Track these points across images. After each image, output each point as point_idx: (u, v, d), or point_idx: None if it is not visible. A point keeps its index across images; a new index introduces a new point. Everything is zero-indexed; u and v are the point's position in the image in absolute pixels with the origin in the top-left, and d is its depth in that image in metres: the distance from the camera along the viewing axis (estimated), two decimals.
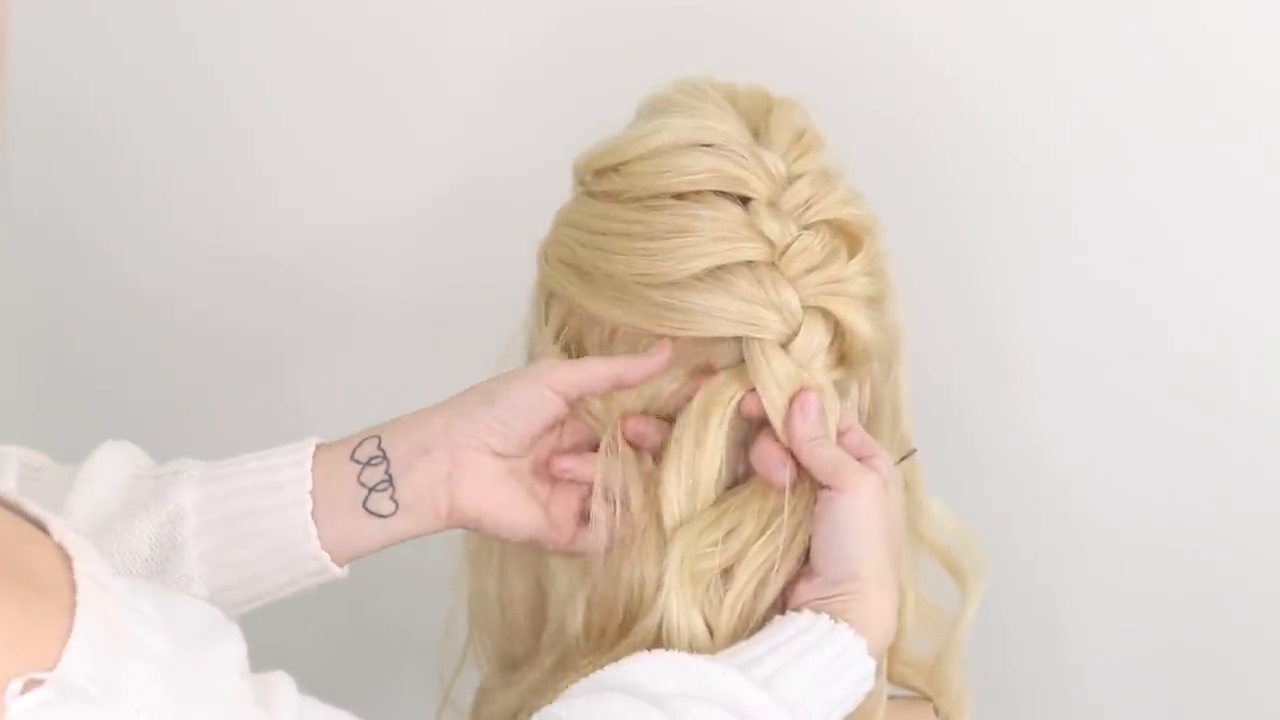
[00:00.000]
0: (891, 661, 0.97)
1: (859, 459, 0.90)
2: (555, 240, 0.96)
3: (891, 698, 0.96)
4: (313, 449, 0.90)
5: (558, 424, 0.93)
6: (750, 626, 0.88)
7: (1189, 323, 1.24)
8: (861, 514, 0.88)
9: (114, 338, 1.35)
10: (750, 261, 0.91)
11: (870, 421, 0.98)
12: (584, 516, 0.93)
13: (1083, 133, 1.21)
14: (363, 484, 0.89)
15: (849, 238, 0.94)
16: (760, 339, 0.91)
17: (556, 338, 0.96)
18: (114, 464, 0.91)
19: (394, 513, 0.89)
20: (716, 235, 0.90)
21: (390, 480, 0.89)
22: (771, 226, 0.91)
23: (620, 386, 0.91)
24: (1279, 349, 1.24)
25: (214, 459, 0.94)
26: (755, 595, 0.89)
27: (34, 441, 0.94)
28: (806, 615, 0.86)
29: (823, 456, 0.89)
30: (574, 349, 0.95)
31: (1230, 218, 1.21)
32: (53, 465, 0.92)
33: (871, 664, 0.86)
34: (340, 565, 0.90)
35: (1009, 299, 1.26)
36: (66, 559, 0.64)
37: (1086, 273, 1.24)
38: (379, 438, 0.90)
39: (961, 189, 1.23)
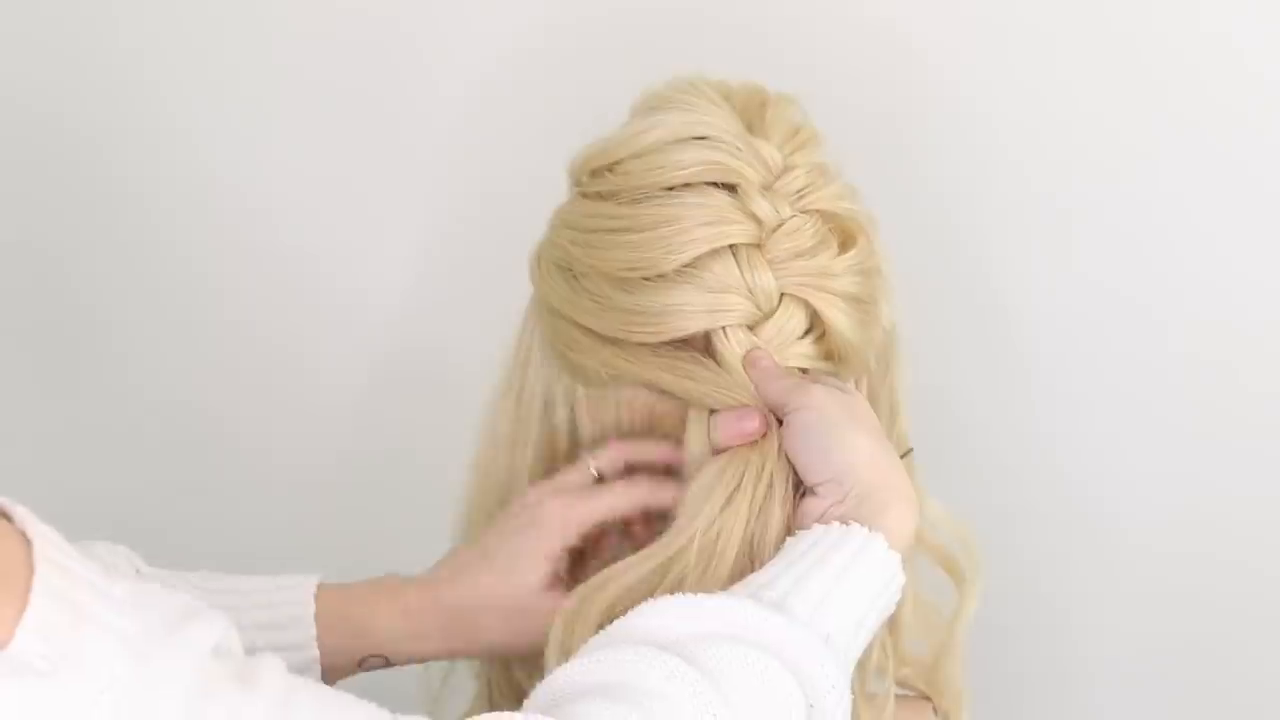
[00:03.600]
0: (891, 661, 0.97)
1: None
2: (550, 242, 0.96)
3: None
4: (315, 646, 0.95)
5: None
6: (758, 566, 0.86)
7: (1189, 322, 1.24)
8: (822, 417, 0.87)
9: (112, 337, 1.35)
10: (734, 245, 0.90)
11: None
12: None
13: (1082, 132, 1.21)
14: (361, 667, 0.97)
15: (842, 232, 0.94)
16: (725, 327, 0.90)
17: (546, 346, 0.96)
18: None
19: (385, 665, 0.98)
20: (703, 221, 0.90)
21: (388, 662, 0.97)
22: (762, 206, 0.91)
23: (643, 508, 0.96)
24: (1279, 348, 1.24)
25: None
26: (750, 544, 0.88)
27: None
28: (816, 529, 0.85)
29: (771, 389, 0.89)
30: (563, 363, 0.95)
31: (1230, 217, 1.21)
32: None
33: (896, 558, 0.84)
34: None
35: (1008, 298, 1.26)
36: (28, 544, 0.65)
37: (1086, 272, 1.24)
38: (385, 659, 0.97)
39: (960, 188, 1.23)
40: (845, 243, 0.94)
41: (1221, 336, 1.24)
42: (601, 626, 0.82)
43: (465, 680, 1.07)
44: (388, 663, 0.96)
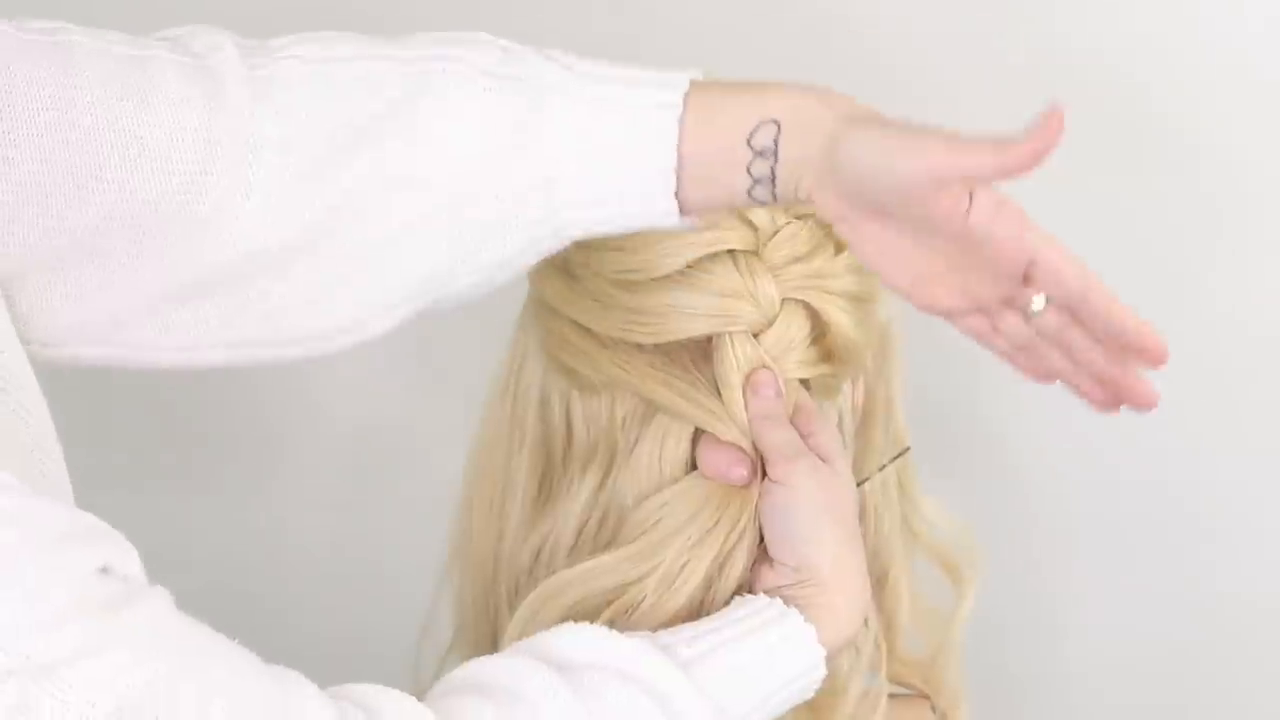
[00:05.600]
0: (888, 659, 0.97)
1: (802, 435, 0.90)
2: None
3: (889, 696, 0.96)
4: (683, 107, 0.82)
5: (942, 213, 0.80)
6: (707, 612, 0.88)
7: (1188, 322, 1.23)
8: (799, 502, 0.88)
9: None
10: (732, 250, 0.90)
11: (864, 419, 0.99)
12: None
13: (1080, 132, 1.21)
14: (750, 173, 0.82)
15: (838, 233, 0.94)
16: (730, 332, 0.90)
17: (542, 348, 0.96)
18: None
19: (768, 203, 0.84)
20: (700, 225, 0.90)
21: (775, 180, 0.83)
22: (758, 213, 0.91)
23: (999, 176, 0.79)
24: (1278, 348, 1.23)
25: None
26: (707, 587, 0.89)
27: None
28: (761, 599, 0.86)
29: (765, 440, 0.89)
30: (558, 366, 0.95)
31: (1229, 216, 1.21)
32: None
33: (820, 652, 0.85)
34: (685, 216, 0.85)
35: None
36: None
37: None
38: (778, 128, 0.82)
39: None
40: (841, 242, 0.94)
41: (1221, 336, 1.24)
42: (558, 623, 0.85)
43: None
44: (776, 157, 0.82)
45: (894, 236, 0.82)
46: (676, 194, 0.83)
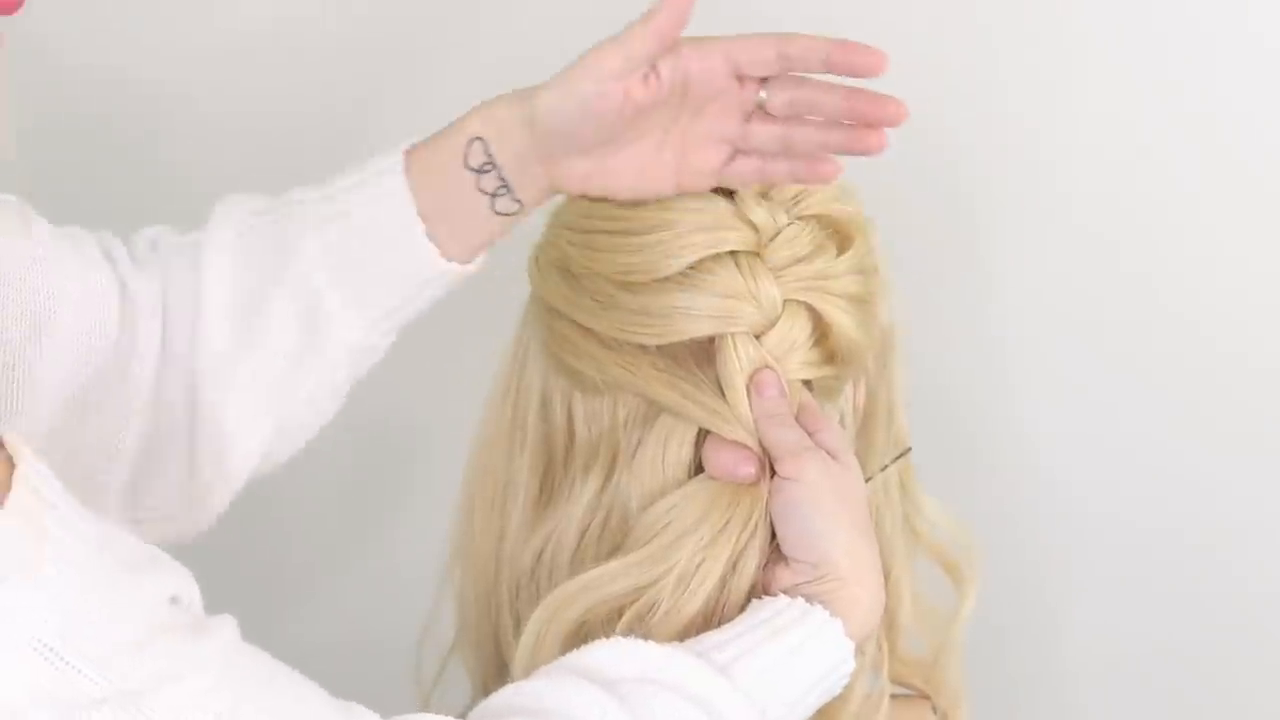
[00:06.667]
0: (889, 660, 0.97)
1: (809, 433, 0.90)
2: (547, 242, 0.96)
3: (890, 696, 0.96)
4: (404, 164, 0.93)
5: (646, 102, 0.89)
6: (724, 616, 0.88)
7: (1188, 322, 1.24)
8: (810, 497, 0.88)
9: None
10: (734, 252, 0.90)
11: (865, 419, 0.99)
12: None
13: (1081, 132, 1.21)
14: (483, 191, 0.92)
15: (839, 234, 0.94)
16: (732, 333, 0.90)
17: (544, 348, 0.96)
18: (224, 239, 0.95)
19: (518, 210, 0.93)
20: (701, 226, 0.90)
21: (508, 186, 0.92)
22: (759, 214, 0.91)
23: (668, 41, 0.87)
24: (1277, 348, 1.24)
25: None
26: (722, 587, 0.89)
27: None
28: (781, 600, 0.86)
29: (771, 438, 0.89)
30: (560, 367, 0.95)
31: (1229, 216, 1.21)
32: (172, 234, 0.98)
33: (850, 646, 0.86)
34: (469, 262, 0.95)
35: (1007, 298, 1.26)
36: (11, 467, 0.67)
37: (1084, 272, 1.24)
38: (484, 142, 0.91)
39: (959, 188, 1.23)
40: (842, 244, 0.94)
41: (1220, 336, 1.24)
42: (570, 636, 0.86)
43: (459, 679, 1.07)
44: (494, 164, 0.91)
45: (638, 155, 0.90)
46: (432, 238, 0.92)
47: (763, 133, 0.90)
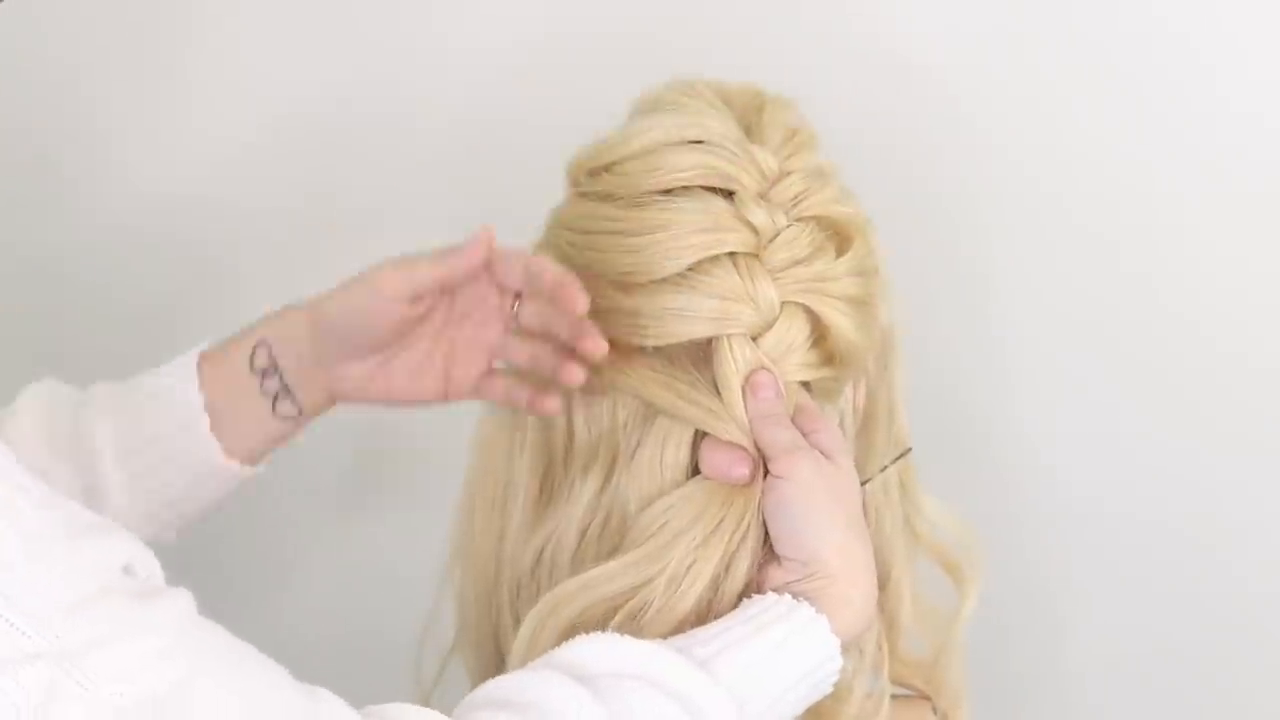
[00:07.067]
0: (890, 660, 0.97)
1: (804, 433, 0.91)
2: (547, 243, 0.96)
3: (890, 697, 0.96)
4: (197, 362, 1.00)
5: (419, 316, 0.98)
6: (717, 616, 0.88)
7: (1187, 322, 1.24)
8: (803, 496, 0.88)
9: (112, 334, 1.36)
10: (732, 253, 0.90)
11: (866, 420, 0.99)
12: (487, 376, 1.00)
13: (1080, 133, 1.21)
14: (265, 394, 1.00)
15: (839, 235, 0.94)
16: (729, 335, 0.90)
17: None
18: (33, 409, 1.01)
19: (298, 415, 1.01)
20: (700, 227, 0.90)
21: (289, 389, 1.00)
22: (758, 215, 0.91)
23: (450, 286, 0.98)
24: (1277, 347, 1.24)
25: None
26: (715, 587, 0.89)
27: None
28: (770, 597, 0.86)
29: (765, 438, 0.89)
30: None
31: (1229, 216, 1.21)
32: None
33: (835, 643, 0.86)
34: (254, 464, 1.02)
35: (1007, 298, 1.26)
36: None
37: (1084, 272, 1.24)
38: (269, 346, 1.00)
39: (959, 188, 1.23)
40: (842, 245, 0.93)
41: (1220, 336, 1.24)
42: (566, 634, 0.86)
43: (459, 679, 1.07)
44: (278, 368, 0.99)
45: (411, 359, 1.00)
46: (216, 435, 0.99)
47: (520, 348, 0.98)
